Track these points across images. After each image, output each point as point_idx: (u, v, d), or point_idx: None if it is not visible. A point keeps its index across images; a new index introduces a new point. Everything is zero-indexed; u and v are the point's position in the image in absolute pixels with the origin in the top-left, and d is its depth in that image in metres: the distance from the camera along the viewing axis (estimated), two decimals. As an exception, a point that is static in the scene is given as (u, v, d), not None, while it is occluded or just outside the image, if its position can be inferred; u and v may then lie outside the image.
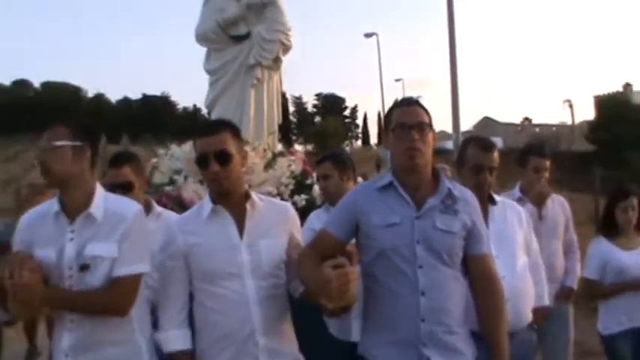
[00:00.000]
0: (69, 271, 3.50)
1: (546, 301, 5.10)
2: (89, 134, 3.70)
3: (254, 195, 3.82)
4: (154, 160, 7.80)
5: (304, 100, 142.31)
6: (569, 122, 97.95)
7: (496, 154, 4.70)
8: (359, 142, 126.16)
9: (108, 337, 3.62)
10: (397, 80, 64.60)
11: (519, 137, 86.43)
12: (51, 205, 3.60)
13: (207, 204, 3.75)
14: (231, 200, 3.71)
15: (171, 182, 7.05)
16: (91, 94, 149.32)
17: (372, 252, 3.60)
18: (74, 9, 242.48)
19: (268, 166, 7.30)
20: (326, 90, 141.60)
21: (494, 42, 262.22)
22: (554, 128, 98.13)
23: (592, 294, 6.18)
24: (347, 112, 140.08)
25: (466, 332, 3.64)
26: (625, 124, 61.60)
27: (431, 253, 3.51)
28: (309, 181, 7.31)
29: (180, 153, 7.49)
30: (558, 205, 6.50)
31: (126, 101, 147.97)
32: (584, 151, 65.39)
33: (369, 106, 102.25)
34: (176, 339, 3.71)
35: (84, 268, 3.49)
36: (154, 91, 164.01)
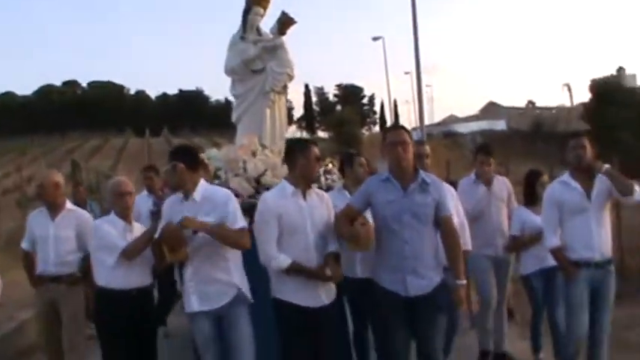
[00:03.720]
0: (187, 232, 5.49)
1: (468, 246, 7.02)
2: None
3: (313, 186, 6.00)
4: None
5: (326, 90, 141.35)
6: (568, 104, 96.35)
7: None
8: (377, 128, 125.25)
9: (213, 267, 5.72)
10: (406, 73, 64.82)
11: (522, 120, 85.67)
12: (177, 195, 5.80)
13: (288, 186, 5.71)
14: (303, 186, 5.75)
15: (216, 177, 8.27)
16: (132, 91, 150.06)
17: (379, 218, 5.78)
18: (116, 11, 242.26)
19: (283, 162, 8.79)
20: (346, 81, 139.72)
21: (500, 29, 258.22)
22: (553, 111, 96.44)
23: (515, 244, 7.87)
24: (365, 101, 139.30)
25: (434, 266, 5.69)
26: (617, 105, 61.05)
27: (413, 218, 5.59)
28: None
29: (218, 155, 8.83)
30: (502, 183, 8.18)
31: (164, 96, 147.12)
32: (580, 132, 65.12)
33: (386, 94, 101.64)
34: (285, 258, 5.54)
35: (195, 232, 5.58)
36: (189, 86, 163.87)
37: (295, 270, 5.54)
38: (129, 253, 6.02)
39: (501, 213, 8.10)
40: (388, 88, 67.98)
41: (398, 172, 5.67)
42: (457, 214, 6.81)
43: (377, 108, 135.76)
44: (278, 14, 9.38)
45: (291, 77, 9.52)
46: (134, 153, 62.39)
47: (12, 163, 51.93)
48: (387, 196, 5.66)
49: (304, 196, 5.74)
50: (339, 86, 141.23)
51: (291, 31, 9.41)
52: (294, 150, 5.92)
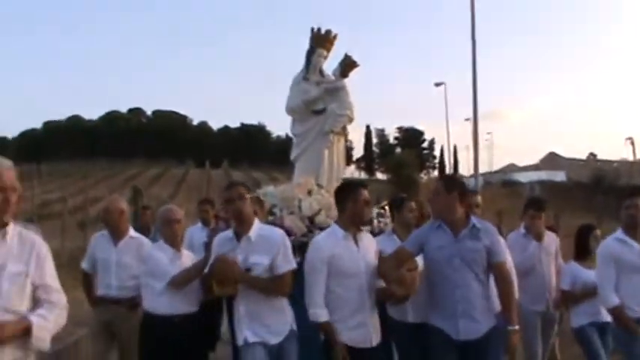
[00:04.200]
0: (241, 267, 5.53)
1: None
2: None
3: (363, 229, 6.00)
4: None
5: (387, 132, 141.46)
6: (631, 158, 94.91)
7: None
8: (435, 172, 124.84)
9: (269, 308, 5.72)
10: (467, 119, 64.72)
11: (583, 171, 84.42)
12: (228, 232, 5.83)
13: (338, 230, 5.74)
14: (353, 229, 5.77)
15: (271, 214, 8.33)
16: (195, 122, 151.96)
17: (431, 263, 5.84)
18: (183, 43, 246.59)
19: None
20: (407, 124, 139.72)
21: (564, 80, 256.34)
22: (615, 164, 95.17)
23: (567, 299, 7.69)
24: (425, 145, 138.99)
25: (485, 310, 5.71)
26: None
27: (463, 264, 5.64)
28: None
29: (274, 192, 8.83)
30: (551, 238, 8.05)
31: (226, 129, 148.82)
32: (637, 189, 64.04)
33: (446, 139, 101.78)
34: (326, 313, 5.58)
35: (248, 270, 5.64)
36: (252, 120, 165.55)
37: (325, 331, 5.61)
38: (178, 283, 6.09)
39: (551, 268, 7.97)
40: (447, 134, 68.83)
41: (447, 220, 5.76)
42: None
43: (437, 152, 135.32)
44: (341, 57, 9.52)
45: (351, 119, 9.59)
46: (193, 184, 63.15)
47: (74, 185, 52.80)
48: (438, 242, 5.73)
49: (355, 240, 5.77)
50: (399, 129, 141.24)
51: (354, 73, 9.51)
52: (344, 192, 5.96)
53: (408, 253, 5.85)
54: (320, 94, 9.41)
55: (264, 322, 5.71)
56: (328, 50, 9.69)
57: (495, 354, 5.73)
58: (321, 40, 9.65)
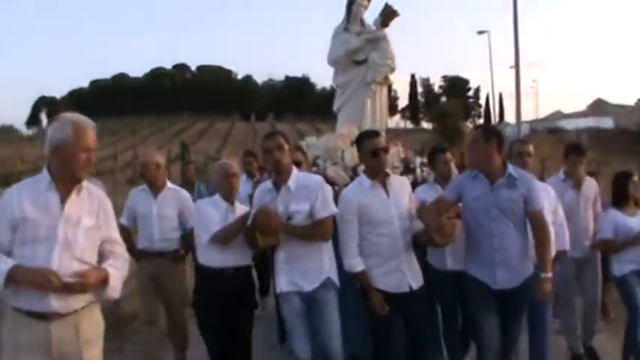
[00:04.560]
0: (282, 217, 5.67)
1: (566, 246, 6.98)
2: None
3: (391, 174, 6.04)
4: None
5: (432, 81, 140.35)
6: None
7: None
8: (481, 121, 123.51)
9: (306, 255, 5.83)
10: (511, 67, 63.93)
11: (631, 118, 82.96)
12: (267, 183, 5.95)
13: (365, 180, 5.86)
14: (381, 177, 5.85)
15: (315, 164, 8.41)
16: (240, 76, 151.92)
17: (469, 213, 5.90)
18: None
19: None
20: (452, 72, 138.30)
21: (610, 25, 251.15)
22: None
23: (608, 248, 7.65)
24: (470, 94, 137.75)
25: (523, 259, 5.76)
26: None
27: (500, 213, 5.68)
28: (412, 166, 8.68)
29: (318, 143, 8.96)
30: (591, 185, 7.95)
31: (270, 82, 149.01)
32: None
33: (491, 88, 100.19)
34: (360, 262, 5.76)
35: (289, 218, 5.75)
36: (296, 72, 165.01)
37: (360, 279, 5.79)
38: (220, 239, 6.06)
39: (589, 215, 7.89)
40: (492, 82, 67.60)
41: (484, 170, 5.77)
42: (555, 214, 6.80)
43: (482, 101, 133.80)
44: (382, 6, 9.45)
45: (392, 69, 9.56)
46: (240, 137, 63.41)
47: (123, 142, 53.23)
48: (475, 192, 5.77)
49: (385, 187, 5.85)
50: (444, 77, 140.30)
51: (395, 22, 9.45)
52: (357, 143, 6.13)
53: (447, 202, 5.90)
54: (361, 44, 9.39)
55: (300, 269, 5.82)
56: (369, 0, 9.61)
57: (525, 303, 5.89)
58: (361, -10, 9.55)
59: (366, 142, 5.90)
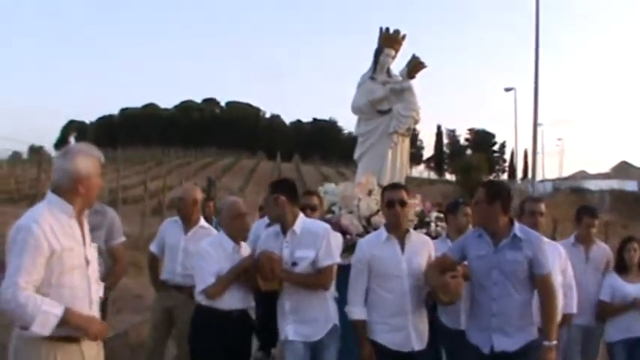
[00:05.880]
0: (285, 265, 5.62)
1: (573, 309, 6.80)
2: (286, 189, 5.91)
3: (411, 229, 5.91)
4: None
5: (458, 133, 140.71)
6: None
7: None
8: (505, 176, 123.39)
9: (311, 304, 5.74)
10: (538, 125, 64.11)
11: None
12: (275, 227, 5.88)
13: (383, 232, 5.75)
14: (399, 231, 5.71)
15: (330, 211, 8.39)
16: (268, 114, 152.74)
17: (471, 272, 5.66)
18: (260, 36, 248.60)
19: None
20: (478, 126, 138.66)
21: (637, 88, 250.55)
22: None
23: (604, 311, 7.48)
24: (496, 148, 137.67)
25: (523, 325, 5.42)
26: None
27: (501, 275, 5.40)
28: (427, 219, 8.53)
29: (335, 190, 8.86)
30: (603, 249, 7.78)
31: (298, 123, 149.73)
32: None
33: (516, 144, 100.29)
34: (361, 312, 5.67)
35: (294, 264, 5.69)
36: (324, 115, 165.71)
37: (357, 328, 5.71)
38: (212, 292, 5.87)
39: (596, 281, 7.63)
40: (515, 138, 68.00)
41: (487, 229, 5.54)
42: (565, 275, 6.67)
43: (507, 156, 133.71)
44: (409, 57, 9.41)
45: (416, 121, 9.49)
46: (264, 175, 63.44)
47: (149, 172, 53.53)
48: (478, 252, 5.53)
49: (402, 242, 5.72)
50: (470, 130, 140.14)
51: (423, 73, 9.39)
52: (381, 195, 6.07)
53: (450, 260, 5.71)
54: (386, 94, 9.33)
55: (306, 319, 5.76)
56: (396, 50, 9.62)
57: None
58: (389, 40, 9.59)
59: (384, 193, 5.90)
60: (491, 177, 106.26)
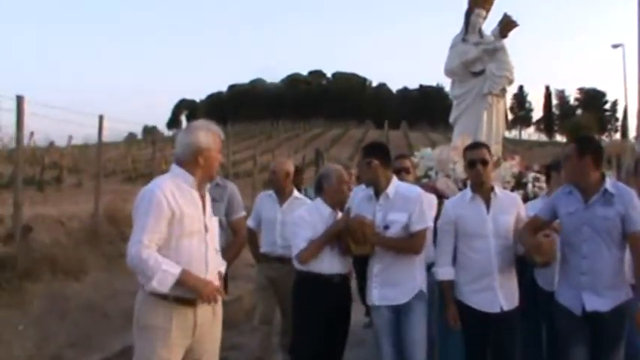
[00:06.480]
0: (377, 229, 5.63)
1: None
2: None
3: (496, 187, 5.78)
4: (414, 159, 8.66)
5: (567, 93, 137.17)
6: None
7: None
8: (618, 135, 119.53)
9: (400, 269, 5.70)
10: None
11: None
12: (368, 190, 5.87)
13: (468, 192, 5.70)
14: (483, 190, 5.65)
15: (426, 176, 8.40)
16: (374, 83, 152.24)
17: (562, 230, 5.46)
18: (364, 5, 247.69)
19: (495, 167, 8.19)
20: (588, 85, 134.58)
21: None
22: None
23: None
24: (607, 106, 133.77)
25: (616, 284, 5.15)
26: None
27: (592, 232, 5.15)
28: (524, 180, 8.47)
29: (432, 155, 8.89)
30: None
31: (405, 91, 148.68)
32: None
33: (630, 101, 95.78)
34: (447, 272, 5.68)
35: (386, 227, 5.66)
36: (430, 81, 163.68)
37: (443, 289, 5.74)
38: (304, 257, 5.92)
39: None
40: (625, 96, 64.48)
41: (579, 185, 5.32)
42: None
43: (619, 115, 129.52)
44: (501, 16, 9.21)
45: (510, 80, 9.35)
46: (373, 145, 63.26)
47: (259, 146, 54.16)
48: (568, 209, 5.34)
49: (487, 201, 5.65)
50: (580, 90, 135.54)
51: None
52: (463, 155, 5.99)
53: (541, 220, 5.54)
54: (478, 55, 9.24)
55: (392, 281, 5.73)
56: (487, 10, 9.50)
57: (620, 333, 5.24)
58: (479, 0, 9.37)
59: (466, 153, 5.82)
60: (603, 136, 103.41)
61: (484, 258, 5.55)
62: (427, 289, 5.78)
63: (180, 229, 4.36)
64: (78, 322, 7.99)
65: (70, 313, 8.16)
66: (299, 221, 6.06)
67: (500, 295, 5.55)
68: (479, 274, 5.57)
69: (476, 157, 5.66)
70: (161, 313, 4.35)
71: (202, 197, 4.60)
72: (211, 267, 4.54)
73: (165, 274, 4.21)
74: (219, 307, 4.68)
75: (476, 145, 5.96)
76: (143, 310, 4.43)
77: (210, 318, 4.57)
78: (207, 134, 4.56)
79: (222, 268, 4.87)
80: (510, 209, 5.69)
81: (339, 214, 6.14)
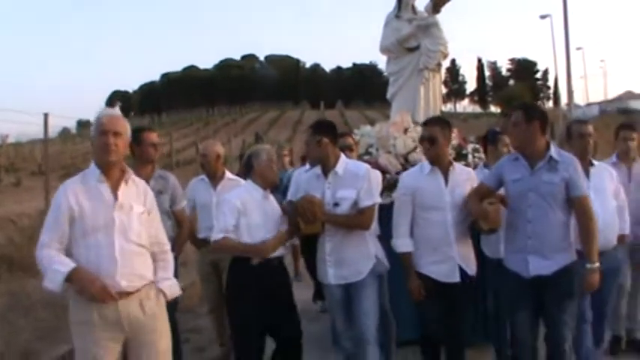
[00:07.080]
0: (327, 206, 5.67)
1: (627, 231, 6.60)
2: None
3: (454, 163, 5.97)
4: (355, 136, 8.52)
5: (499, 64, 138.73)
6: None
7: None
8: (550, 103, 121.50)
9: (352, 246, 5.77)
10: (578, 49, 63.07)
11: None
12: (316, 169, 5.88)
13: (426, 165, 5.84)
14: (441, 165, 5.79)
15: (367, 153, 8.40)
16: (308, 65, 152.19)
17: (508, 196, 5.67)
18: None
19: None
20: (519, 55, 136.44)
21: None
22: None
23: None
24: (539, 76, 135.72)
25: (561, 247, 5.36)
26: None
27: (538, 197, 5.37)
28: (464, 151, 8.53)
29: (372, 132, 8.86)
30: None
31: (339, 70, 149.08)
32: None
33: (559, 69, 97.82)
34: (406, 244, 5.78)
35: (336, 204, 5.72)
36: (364, 60, 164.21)
37: (403, 260, 5.83)
38: (265, 253, 5.75)
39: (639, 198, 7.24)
40: (555, 65, 66.70)
41: (524, 152, 5.49)
42: (616, 197, 6.52)
43: (551, 83, 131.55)
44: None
45: (445, 55, 9.39)
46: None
47: (196, 134, 53.85)
48: (514, 175, 5.51)
49: (445, 174, 5.78)
50: (512, 60, 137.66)
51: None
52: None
53: (487, 187, 5.73)
54: (412, 31, 9.23)
55: (346, 259, 5.78)
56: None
57: (570, 292, 5.40)
58: (412, -24, 9.41)
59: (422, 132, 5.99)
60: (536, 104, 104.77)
61: (441, 230, 5.71)
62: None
63: (82, 227, 4.39)
64: (42, 316, 8.08)
65: (33, 308, 8.28)
66: (225, 207, 5.85)
67: (459, 264, 5.73)
68: (437, 245, 5.72)
69: (425, 134, 5.85)
70: (83, 309, 4.41)
71: (115, 189, 4.54)
72: (123, 261, 4.43)
73: (54, 272, 4.26)
74: (148, 301, 4.60)
75: (426, 122, 6.15)
76: (71, 307, 4.52)
77: (138, 311, 4.52)
78: (94, 125, 4.58)
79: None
80: (466, 183, 5.87)
81: (271, 197, 6.05)
